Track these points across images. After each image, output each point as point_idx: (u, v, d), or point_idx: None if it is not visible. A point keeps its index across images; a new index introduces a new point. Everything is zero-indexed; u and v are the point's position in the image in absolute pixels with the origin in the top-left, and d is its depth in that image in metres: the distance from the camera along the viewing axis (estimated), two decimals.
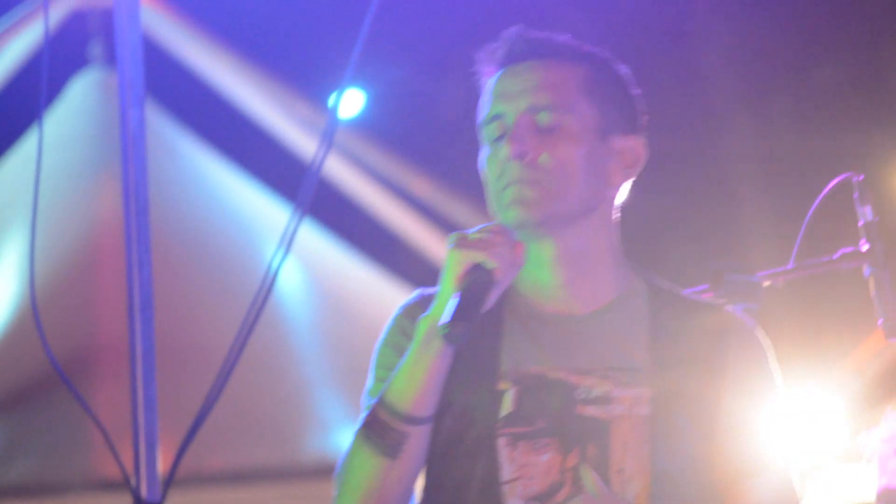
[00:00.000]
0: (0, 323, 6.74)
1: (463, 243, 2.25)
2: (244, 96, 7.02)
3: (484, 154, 2.35)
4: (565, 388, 2.27)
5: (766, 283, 2.89)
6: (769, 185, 6.83)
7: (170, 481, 2.65)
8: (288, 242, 3.18)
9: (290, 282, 7.16)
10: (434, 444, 2.29)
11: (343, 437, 4.84)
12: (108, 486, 6.52)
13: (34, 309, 3.21)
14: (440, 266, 2.39)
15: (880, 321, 3.00)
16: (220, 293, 6.71)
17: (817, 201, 2.98)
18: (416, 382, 2.25)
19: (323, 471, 4.88)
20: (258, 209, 7.16)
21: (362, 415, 2.30)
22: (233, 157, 7.16)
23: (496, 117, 2.32)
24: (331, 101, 6.20)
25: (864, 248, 3.00)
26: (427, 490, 2.32)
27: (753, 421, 2.29)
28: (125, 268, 4.16)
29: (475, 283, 2.23)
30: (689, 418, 2.28)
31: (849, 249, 3.01)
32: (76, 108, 7.09)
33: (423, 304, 2.33)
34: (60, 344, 5.43)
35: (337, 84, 2.65)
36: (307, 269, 7.23)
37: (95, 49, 6.99)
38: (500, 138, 2.32)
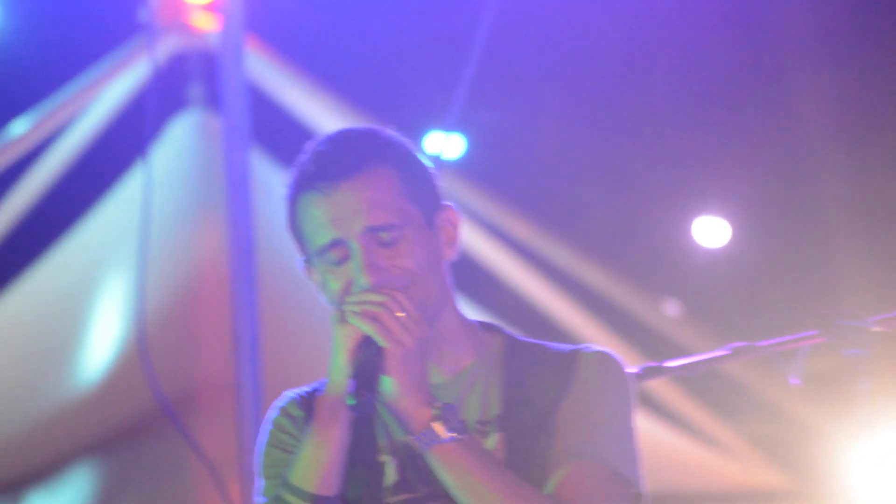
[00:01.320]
0: (106, 362, 6.81)
1: (351, 317, 2.33)
2: None
3: (321, 272, 2.42)
4: None
5: (877, 329, 2.87)
6: (869, 228, 6.78)
7: None
8: None
9: None
10: None
11: None
12: None
13: (142, 347, 3.25)
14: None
15: None
16: (322, 334, 6.73)
17: None
18: (319, 460, 2.32)
19: None
20: None
21: None
22: None
23: (335, 244, 2.39)
24: (427, 144, 6.23)
25: None
26: None
27: (581, 420, 2.36)
28: (229, 308, 4.20)
29: (369, 353, 2.31)
30: (537, 448, 2.35)
31: None
32: (176, 150, 7.14)
33: (296, 402, 2.47)
34: (165, 382, 5.51)
35: (436, 128, 2.67)
36: None
37: (195, 91, 7.04)
38: (341, 261, 2.39)
